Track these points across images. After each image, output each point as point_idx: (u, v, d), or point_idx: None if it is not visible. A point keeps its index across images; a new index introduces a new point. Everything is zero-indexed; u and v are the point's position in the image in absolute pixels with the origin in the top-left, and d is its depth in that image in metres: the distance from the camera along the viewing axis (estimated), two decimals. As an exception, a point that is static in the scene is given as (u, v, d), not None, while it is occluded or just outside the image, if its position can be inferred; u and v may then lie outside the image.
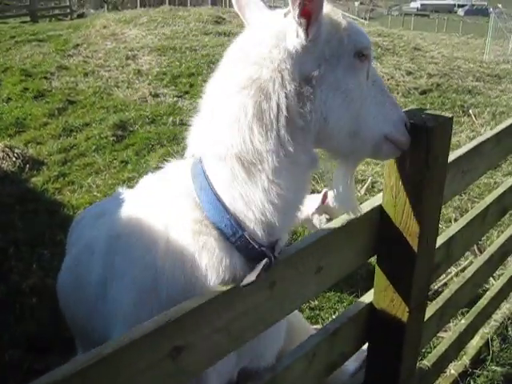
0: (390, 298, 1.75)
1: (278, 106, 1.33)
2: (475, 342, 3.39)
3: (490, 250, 3.10)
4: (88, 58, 11.31)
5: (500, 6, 18.78)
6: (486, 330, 3.48)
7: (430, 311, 2.39)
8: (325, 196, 3.85)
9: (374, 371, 1.93)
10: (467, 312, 3.26)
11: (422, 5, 64.37)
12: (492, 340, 3.42)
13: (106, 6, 24.33)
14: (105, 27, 13.77)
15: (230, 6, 18.87)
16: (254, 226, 1.38)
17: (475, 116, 8.61)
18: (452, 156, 2.04)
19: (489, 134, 2.34)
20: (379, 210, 1.64)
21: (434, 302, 2.53)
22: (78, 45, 12.43)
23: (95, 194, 5.64)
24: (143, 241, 1.49)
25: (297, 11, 1.29)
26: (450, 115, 1.61)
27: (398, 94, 9.49)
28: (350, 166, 1.53)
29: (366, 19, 39.92)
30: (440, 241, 2.22)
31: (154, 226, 1.47)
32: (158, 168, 1.75)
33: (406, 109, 1.64)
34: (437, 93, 9.68)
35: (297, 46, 1.34)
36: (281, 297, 1.43)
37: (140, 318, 1.25)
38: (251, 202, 1.36)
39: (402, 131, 1.47)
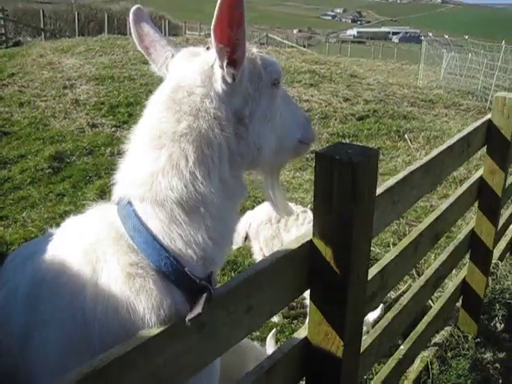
0: (325, 332, 1.74)
1: (220, 149, 1.39)
2: (415, 366, 3.43)
3: (427, 274, 3.16)
4: (24, 88, 11.07)
5: (431, 34, 19.59)
6: (426, 354, 3.53)
7: (368, 340, 2.41)
8: None
9: (313, 407, 1.91)
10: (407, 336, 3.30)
11: (358, 32, 66.73)
12: (432, 363, 3.47)
13: (43, 34, 23.89)
14: (41, 56, 13.55)
15: (170, 35, 18.97)
16: (193, 263, 1.37)
17: (411, 140, 8.89)
18: (383, 187, 2.08)
19: (417, 164, 2.40)
20: (309, 245, 1.64)
21: (371, 330, 2.55)
22: (13, 74, 12.16)
23: (30, 228, 5.45)
24: (70, 286, 1.43)
25: (224, 61, 1.37)
26: (377, 148, 1.63)
27: (335, 120, 9.70)
28: (275, 176, 1.65)
29: (304, 46, 40.85)
30: (374, 271, 2.24)
31: (80, 271, 1.42)
32: (95, 200, 1.71)
33: (332, 144, 1.66)
34: (373, 118, 9.95)
35: (226, 91, 1.41)
36: (212, 338, 1.39)
37: (68, 370, 1.19)
38: (191, 242, 1.37)
39: (309, 130, 1.66)
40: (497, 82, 16.35)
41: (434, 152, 2.57)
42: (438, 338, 3.70)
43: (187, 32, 34.07)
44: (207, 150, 1.37)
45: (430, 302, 4.11)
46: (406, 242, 2.54)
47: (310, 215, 3.99)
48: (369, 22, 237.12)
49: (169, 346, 1.27)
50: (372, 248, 5.10)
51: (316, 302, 1.74)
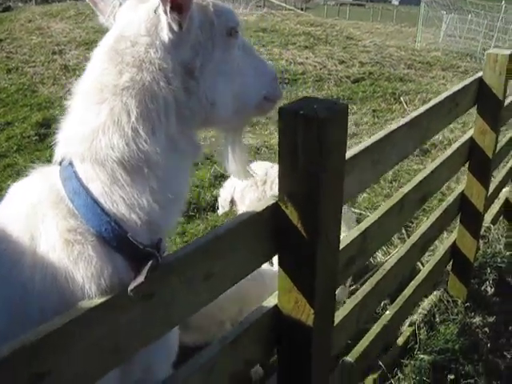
0: (295, 300, 1.64)
1: (166, 103, 1.28)
2: (403, 332, 3.37)
3: (414, 236, 3.07)
4: (12, 54, 10.85)
5: (430, -6, 19.18)
6: (414, 319, 3.46)
7: (347, 307, 2.32)
8: None
9: (286, 375, 1.83)
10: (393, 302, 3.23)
11: (357, -6, 65.22)
12: (419, 328, 3.41)
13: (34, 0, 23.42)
14: (30, 21, 13.26)
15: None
16: (137, 228, 1.28)
17: (406, 103, 8.73)
18: (360, 146, 1.96)
19: (401, 122, 2.28)
20: (275, 207, 1.53)
21: (352, 296, 2.46)
22: (0, 40, 11.91)
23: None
24: (9, 252, 1.33)
25: (168, 5, 1.24)
26: (346, 103, 1.51)
27: (330, 83, 9.51)
28: (238, 133, 1.55)
29: (302, 9, 40.09)
30: (355, 233, 2.14)
31: (19, 238, 1.32)
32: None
33: (299, 98, 1.53)
34: (369, 81, 9.76)
35: (172, 40, 1.29)
36: (164, 308, 1.29)
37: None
38: (135, 205, 1.27)
39: (275, 87, 1.57)
40: (496, 43, 16.05)
41: (419, 110, 2.44)
42: (426, 303, 3.62)
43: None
44: (151, 104, 1.25)
45: (420, 265, 4.03)
46: (390, 203, 2.43)
47: None
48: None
49: (111, 317, 1.17)
50: (362, 212, 5.00)
51: (285, 268, 1.64)
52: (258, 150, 6.47)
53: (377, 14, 40.51)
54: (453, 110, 2.87)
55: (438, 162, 2.98)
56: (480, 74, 3.26)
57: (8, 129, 7.12)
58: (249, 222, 1.47)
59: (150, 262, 1.20)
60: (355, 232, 2.16)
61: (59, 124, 1.37)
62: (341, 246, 1.79)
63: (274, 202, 1.54)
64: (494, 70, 3.18)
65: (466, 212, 3.57)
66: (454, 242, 3.67)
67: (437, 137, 6.51)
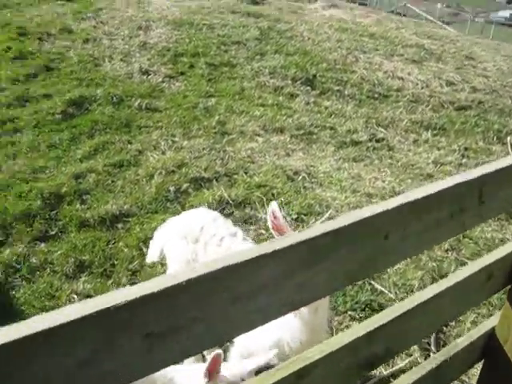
0: None
1: None
2: None
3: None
4: (100, 24, 10.34)
5: None
6: None
7: None
8: None
9: None
10: None
11: (511, 14, 60.37)
12: None
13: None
14: (132, -7, 12.81)
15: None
16: None
17: (512, 146, 7.09)
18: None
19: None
20: None
21: None
22: (100, 9, 11.50)
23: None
24: None
25: None
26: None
27: (427, 106, 8.02)
28: None
29: (446, 23, 37.52)
30: None
31: None
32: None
33: None
34: (475, 111, 8.13)
35: None
36: None
37: None
38: None
39: None
40: None
41: None
42: None
43: None
44: None
45: None
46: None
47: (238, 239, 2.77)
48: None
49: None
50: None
51: None
52: (296, 174, 5.31)
53: (527, 38, 37.01)
54: None
55: None
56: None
57: (42, 101, 6.48)
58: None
59: None
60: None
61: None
62: None
63: None
64: None
65: None
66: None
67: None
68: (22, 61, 7.87)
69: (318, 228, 1.12)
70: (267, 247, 1.02)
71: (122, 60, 8.47)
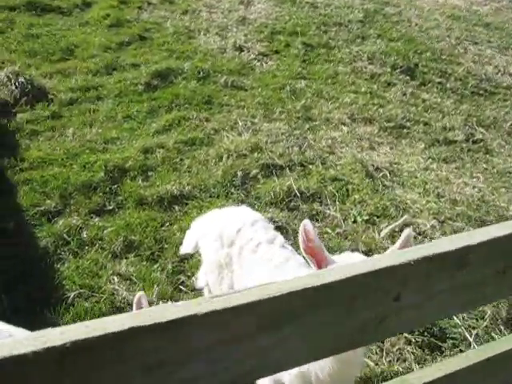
0: None
1: None
2: None
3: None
4: (206, -4, 10.23)
5: None
6: None
7: None
8: None
9: None
10: None
11: None
12: None
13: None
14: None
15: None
16: None
17: None
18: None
19: None
20: None
21: None
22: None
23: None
24: None
25: None
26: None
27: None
28: None
29: None
30: None
31: None
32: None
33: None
34: None
35: None
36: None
37: None
38: None
39: None
40: None
41: None
42: None
43: None
44: None
45: None
46: None
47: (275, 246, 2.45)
48: None
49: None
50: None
51: None
52: (377, 170, 4.86)
53: None
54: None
55: None
56: None
57: (129, 70, 6.42)
58: None
59: None
60: None
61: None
62: None
63: None
64: None
65: None
66: None
67: None
68: (117, 28, 7.88)
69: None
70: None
71: (217, 34, 8.29)
